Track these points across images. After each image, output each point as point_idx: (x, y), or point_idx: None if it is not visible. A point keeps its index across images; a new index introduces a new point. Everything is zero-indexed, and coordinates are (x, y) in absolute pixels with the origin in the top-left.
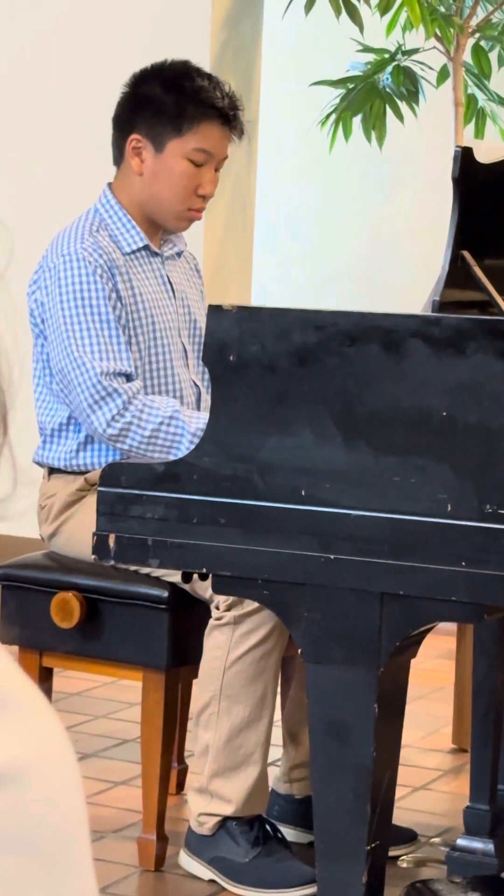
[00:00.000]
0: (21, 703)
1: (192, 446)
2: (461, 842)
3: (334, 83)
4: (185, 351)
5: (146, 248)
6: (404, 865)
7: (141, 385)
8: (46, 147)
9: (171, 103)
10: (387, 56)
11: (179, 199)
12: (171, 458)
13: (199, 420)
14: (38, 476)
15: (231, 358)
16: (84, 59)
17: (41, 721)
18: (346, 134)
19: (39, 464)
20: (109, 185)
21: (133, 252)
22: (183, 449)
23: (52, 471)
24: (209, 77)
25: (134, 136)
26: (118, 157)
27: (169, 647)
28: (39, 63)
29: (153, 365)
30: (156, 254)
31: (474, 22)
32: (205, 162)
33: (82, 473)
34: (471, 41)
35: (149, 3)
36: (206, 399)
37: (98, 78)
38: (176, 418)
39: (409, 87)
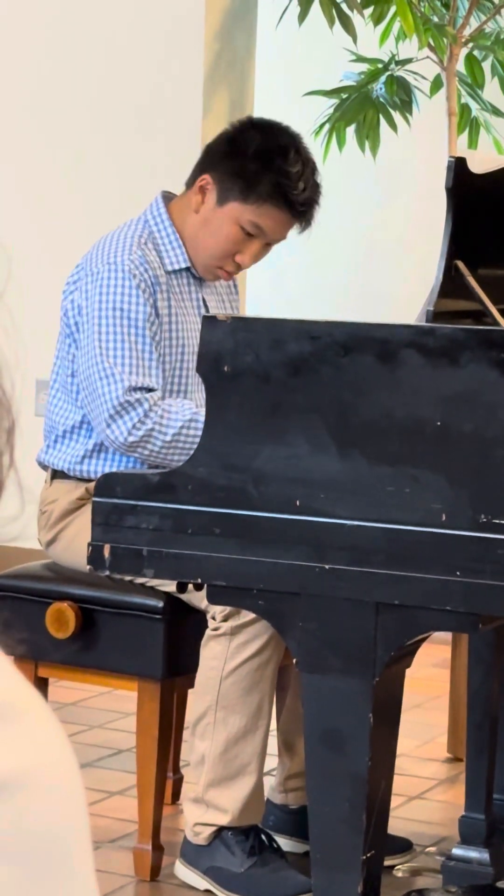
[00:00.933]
0: (24, 713)
1: None
2: (456, 851)
3: (328, 93)
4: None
5: (188, 269)
6: (400, 875)
7: (160, 395)
8: (44, 169)
9: (252, 170)
10: (380, 66)
11: (216, 255)
12: None
13: None
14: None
15: (226, 368)
16: (78, 74)
17: (44, 730)
18: (340, 144)
19: (43, 464)
20: (164, 195)
21: (175, 271)
22: None
23: (56, 475)
24: (305, 162)
25: (206, 175)
26: (190, 181)
27: (164, 657)
28: (36, 84)
29: (175, 386)
30: (196, 277)
31: (467, 32)
32: (255, 235)
33: (85, 481)
34: (464, 51)
35: (142, 15)
36: None
37: (93, 92)
38: (196, 420)
39: (402, 96)
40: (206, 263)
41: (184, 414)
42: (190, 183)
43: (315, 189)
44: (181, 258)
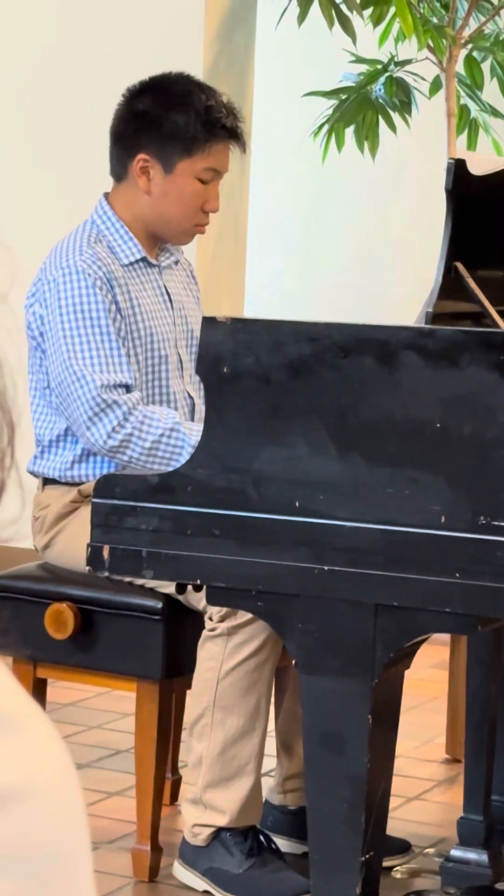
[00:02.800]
0: (23, 723)
1: None
2: (455, 852)
3: (327, 94)
4: (181, 362)
5: (144, 259)
6: (398, 876)
7: (140, 396)
8: (48, 167)
9: (181, 124)
10: (379, 67)
11: (188, 217)
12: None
13: (199, 433)
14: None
15: (225, 370)
16: (78, 74)
17: (42, 739)
18: (339, 144)
19: (34, 474)
20: (106, 196)
21: (131, 264)
22: (183, 461)
23: (47, 481)
24: (211, 92)
25: (141, 155)
26: (120, 172)
27: (163, 657)
28: (34, 80)
29: (148, 376)
30: (153, 265)
31: (467, 33)
32: (211, 179)
33: (77, 485)
34: (463, 52)
35: (142, 16)
36: (201, 410)
37: (94, 92)
38: (177, 430)
39: (401, 97)
40: (181, 229)
41: (165, 422)
42: (119, 172)
43: (235, 109)
44: (134, 250)
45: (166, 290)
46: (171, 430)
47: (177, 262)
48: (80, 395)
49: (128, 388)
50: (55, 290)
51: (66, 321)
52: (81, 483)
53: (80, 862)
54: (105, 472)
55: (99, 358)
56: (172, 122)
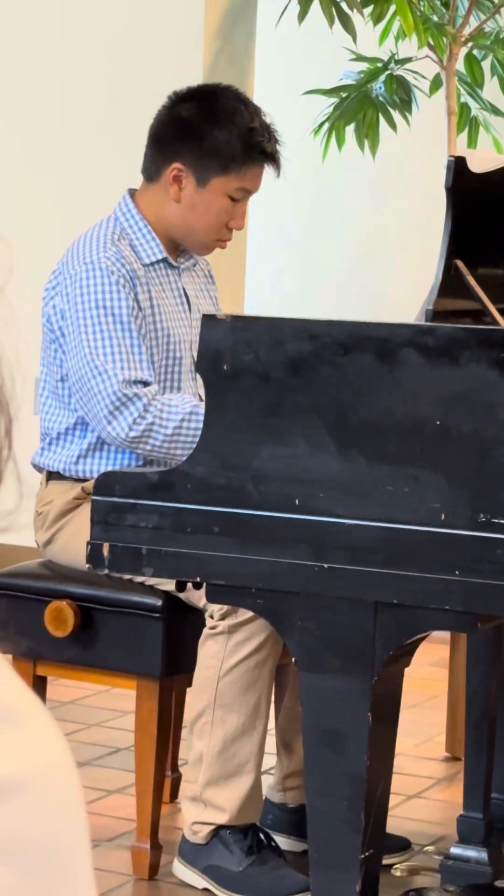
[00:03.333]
0: (23, 716)
1: None
2: (455, 850)
3: (327, 92)
4: (194, 364)
5: (165, 260)
6: (398, 874)
7: (158, 388)
8: (46, 161)
9: (222, 142)
10: (380, 65)
11: (212, 231)
12: None
13: None
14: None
15: (225, 367)
16: (79, 70)
17: (43, 733)
18: (339, 143)
19: (38, 467)
20: (131, 193)
21: (152, 264)
22: None
23: (51, 476)
24: (256, 111)
25: (177, 164)
26: (153, 174)
27: (163, 655)
28: (35, 75)
29: (163, 377)
30: (173, 266)
31: (467, 31)
32: (242, 198)
33: (81, 481)
34: (463, 50)
35: (143, 14)
36: None
37: (94, 89)
38: (196, 413)
39: (401, 96)
40: (203, 241)
41: (184, 407)
42: (152, 173)
43: (272, 130)
44: (156, 250)
45: (184, 293)
46: (191, 413)
47: (195, 264)
48: (101, 389)
49: (147, 385)
50: (77, 284)
51: (89, 317)
52: (86, 478)
53: (79, 854)
54: (110, 468)
55: (121, 354)
56: (214, 138)
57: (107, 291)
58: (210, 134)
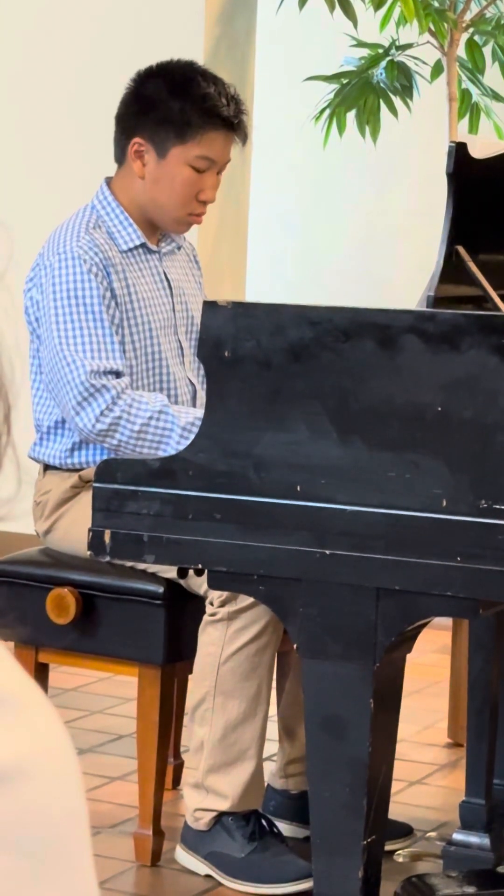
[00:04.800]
0: (22, 702)
1: (182, 441)
2: (457, 836)
3: (328, 78)
4: (182, 349)
5: (143, 245)
6: (400, 860)
7: (129, 381)
8: (46, 146)
9: (176, 110)
10: (380, 51)
11: (180, 204)
12: (161, 453)
13: (188, 415)
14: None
15: (226, 354)
16: (80, 56)
17: (42, 719)
18: (340, 129)
19: (35, 459)
20: (107, 181)
21: (130, 250)
22: (172, 444)
23: (48, 468)
24: (215, 80)
25: (136, 139)
26: (119, 156)
27: (164, 642)
28: (35, 61)
29: (148, 364)
30: (153, 251)
31: (468, 17)
32: (207, 168)
33: (77, 471)
34: (465, 36)
35: (143, 0)
36: (202, 396)
37: (95, 75)
38: (165, 412)
39: (402, 82)
40: (174, 216)
41: (153, 405)
42: (118, 156)
43: (237, 100)
44: (133, 236)
45: (166, 277)
46: (160, 412)
47: (179, 248)
48: (70, 379)
49: (118, 375)
50: (50, 275)
51: (60, 306)
52: (81, 469)
53: (78, 840)
54: (104, 458)
55: (91, 344)
56: (168, 108)
57: (78, 281)
58: (165, 104)
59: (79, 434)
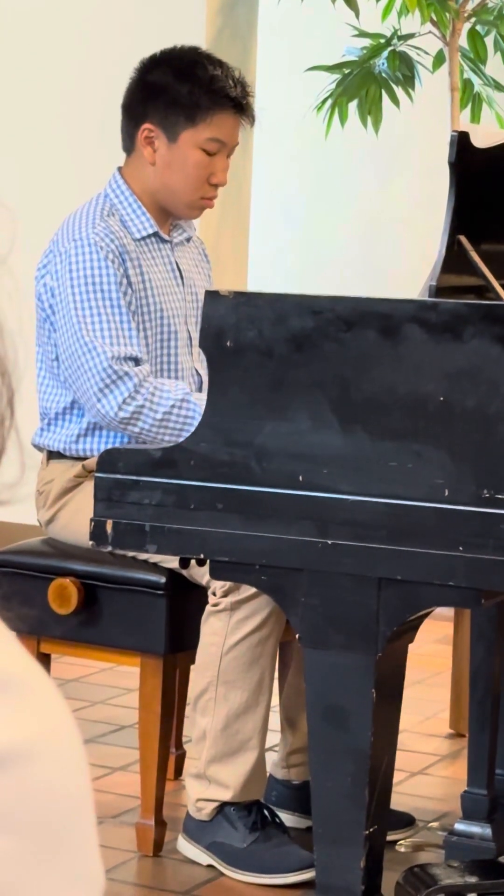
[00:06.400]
0: (26, 685)
1: None
2: (459, 826)
3: (330, 68)
4: (191, 339)
5: (156, 234)
6: (402, 850)
7: (150, 369)
8: (49, 129)
9: (185, 93)
10: (382, 41)
11: (192, 188)
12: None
13: None
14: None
15: (228, 343)
16: (82, 44)
17: (46, 702)
18: (342, 119)
19: (38, 447)
20: (119, 169)
21: (143, 238)
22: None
23: (52, 455)
24: (220, 64)
25: (146, 125)
26: (129, 145)
27: (166, 632)
28: (38, 49)
29: (158, 352)
30: (165, 240)
31: (470, 6)
32: (217, 151)
33: (81, 459)
34: (467, 25)
35: None
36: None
37: (97, 62)
38: (187, 400)
39: (404, 72)
40: (186, 200)
41: (175, 393)
42: (127, 145)
43: (243, 82)
44: (147, 224)
45: (177, 266)
46: (182, 400)
47: (189, 240)
48: (91, 366)
49: (137, 362)
50: (66, 262)
51: (78, 293)
52: (86, 457)
53: (83, 822)
54: (110, 446)
55: (110, 330)
56: (177, 92)
57: (96, 267)
58: (173, 89)
59: (100, 420)
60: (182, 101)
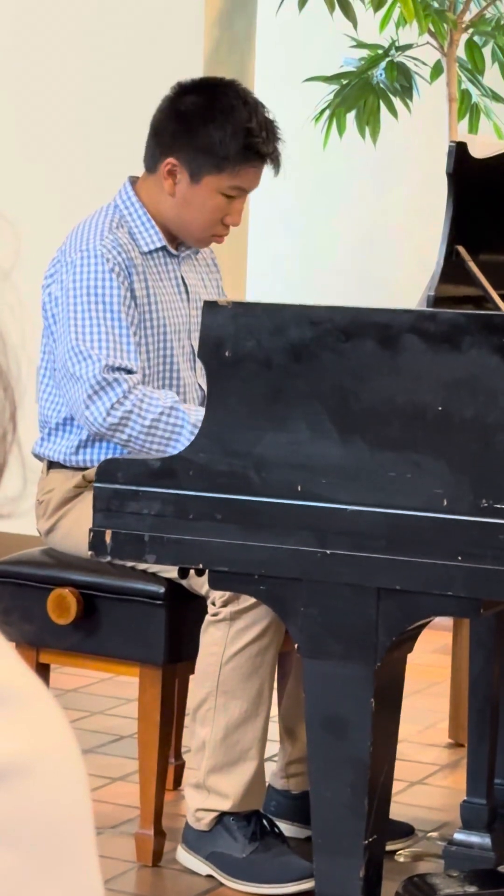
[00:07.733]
0: (24, 698)
1: (193, 438)
2: (458, 836)
3: (328, 79)
4: (194, 354)
5: (164, 248)
6: (401, 860)
7: (141, 377)
8: (51, 143)
9: (216, 141)
10: (380, 52)
11: (206, 227)
12: (171, 450)
13: (198, 412)
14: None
15: (227, 353)
16: (82, 55)
17: (44, 716)
18: (340, 130)
19: (38, 457)
20: (132, 180)
21: (150, 252)
22: (183, 440)
23: (52, 465)
24: (255, 109)
25: (171, 159)
26: (151, 164)
27: (166, 642)
28: (39, 59)
29: (161, 367)
30: (173, 255)
31: (468, 17)
32: (237, 196)
33: (82, 469)
34: (464, 36)
35: (143, 1)
36: None
37: (97, 74)
38: (176, 409)
39: (402, 82)
40: (198, 237)
41: (165, 401)
42: (150, 164)
43: (273, 128)
44: (155, 238)
45: (183, 281)
46: (171, 408)
47: (196, 252)
48: (83, 373)
49: (130, 373)
50: (72, 272)
51: (79, 303)
52: (86, 468)
53: (83, 836)
54: (110, 457)
55: (107, 342)
56: (209, 136)
57: (100, 279)
58: (205, 131)
59: (88, 428)
60: (212, 150)
